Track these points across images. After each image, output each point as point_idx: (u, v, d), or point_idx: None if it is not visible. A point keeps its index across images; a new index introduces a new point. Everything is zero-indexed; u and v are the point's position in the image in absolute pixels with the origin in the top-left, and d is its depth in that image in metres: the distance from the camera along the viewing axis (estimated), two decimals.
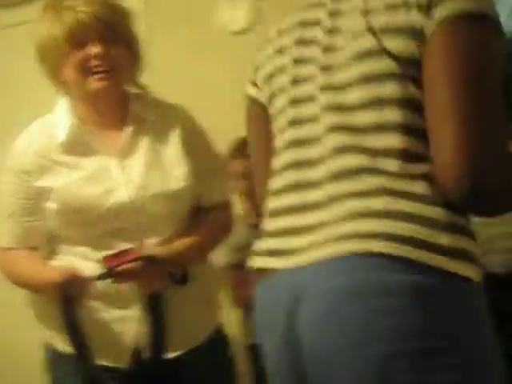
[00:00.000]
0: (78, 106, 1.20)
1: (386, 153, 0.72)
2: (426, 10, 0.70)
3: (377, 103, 0.73)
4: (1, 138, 2.04)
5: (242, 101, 2.01)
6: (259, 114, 0.91)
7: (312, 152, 0.78)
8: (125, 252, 1.09)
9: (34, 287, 1.20)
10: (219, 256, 1.49)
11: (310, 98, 0.80)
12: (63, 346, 1.16)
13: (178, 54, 2.11)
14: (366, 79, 0.74)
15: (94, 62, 1.11)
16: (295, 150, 0.80)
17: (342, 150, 0.74)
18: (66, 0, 1.13)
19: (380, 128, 0.73)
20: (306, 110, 0.80)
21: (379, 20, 0.73)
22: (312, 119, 0.79)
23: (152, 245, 1.15)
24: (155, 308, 1.13)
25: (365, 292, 0.68)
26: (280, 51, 0.87)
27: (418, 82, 0.72)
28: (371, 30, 0.73)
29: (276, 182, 0.83)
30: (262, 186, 0.88)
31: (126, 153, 1.18)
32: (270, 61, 0.88)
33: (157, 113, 1.22)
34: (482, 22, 0.69)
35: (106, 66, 1.11)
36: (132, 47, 1.20)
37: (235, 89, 1.94)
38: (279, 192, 0.82)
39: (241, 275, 1.61)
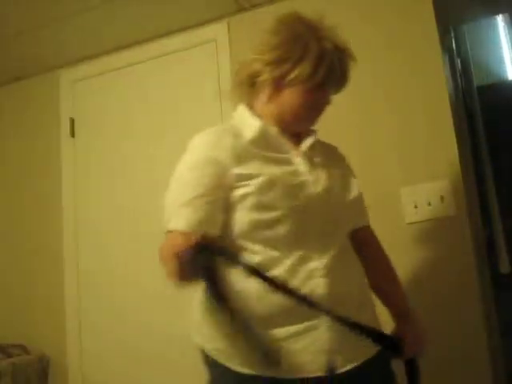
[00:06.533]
0: (262, 118, 1.23)
1: None
2: None
3: None
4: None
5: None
6: None
7: None
8: None
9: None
10: None
11: None
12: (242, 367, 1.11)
13: None
14: None
15: (320, 107, 1.24)
16: None
17: None
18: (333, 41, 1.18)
19: None
20: None
21: None
22: None
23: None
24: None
25: None
26: None
27: None
28: None
29: None
30: None
31: (308, 157, 1.22)
32: None
33: (321, 145, 1.31)
34: None
35: (322, 112, 1.25)
36: None
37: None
38: None
39: None
